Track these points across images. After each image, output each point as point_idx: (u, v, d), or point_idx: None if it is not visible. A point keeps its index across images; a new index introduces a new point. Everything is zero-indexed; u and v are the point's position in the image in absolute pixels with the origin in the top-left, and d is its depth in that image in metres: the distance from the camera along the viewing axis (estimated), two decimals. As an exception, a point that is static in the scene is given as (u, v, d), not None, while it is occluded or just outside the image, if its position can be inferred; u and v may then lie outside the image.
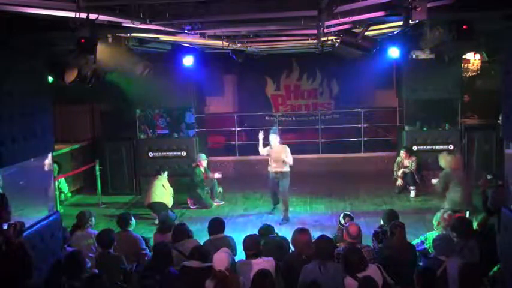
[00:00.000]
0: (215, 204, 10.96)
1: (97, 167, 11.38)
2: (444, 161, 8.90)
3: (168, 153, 12.49)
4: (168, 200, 10.05)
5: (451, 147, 11.65)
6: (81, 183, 12.57)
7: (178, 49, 9.67)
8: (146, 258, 6.50)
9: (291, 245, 6.12)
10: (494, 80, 11.94)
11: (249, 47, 9.76)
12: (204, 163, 11.04)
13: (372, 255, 5.82)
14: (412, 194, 11.13)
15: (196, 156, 11.52)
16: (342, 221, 6.86)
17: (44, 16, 4.99)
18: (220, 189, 11.25)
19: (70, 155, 12.17)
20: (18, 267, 4.30)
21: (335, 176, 12.51)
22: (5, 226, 4.31)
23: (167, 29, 6.40)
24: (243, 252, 5.56)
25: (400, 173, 11.36)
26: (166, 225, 6.98)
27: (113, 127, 13.40)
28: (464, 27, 5.80)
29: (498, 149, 11.21)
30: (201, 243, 6.25)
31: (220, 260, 4.89)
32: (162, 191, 10.04)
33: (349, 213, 7.17)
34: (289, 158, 9.62)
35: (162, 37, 7.70)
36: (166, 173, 10.41)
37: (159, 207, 9.53)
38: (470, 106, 13.58)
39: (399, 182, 11.35)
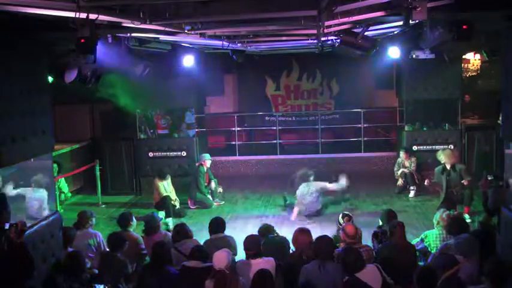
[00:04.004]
0: (215, 204, 10.96)
1: (97, 167, 11.38)
2: (444, 156, 9.45)
3: (168, 153, 12.50)
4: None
5: (451, 147, 11.65)
6: (81, 183, 12.57)
7: (178, 49, 9.68)
8: (146, 258, 6.51)
9: (291, 245, 6.13)
10: (494, 80, 11.97)
11: (249, 47, 9.76)
12: (208, 163, 11.05)
13: (371, 255, 5.83)
14: (412, 194, 11.14)
15: (200, 156, 11.50)
16: (341, 221, 6.86)
17: (44, 16, 4.99)
18: (220, 189, 11.26)
19: (70, 155, 12.17)
20: (19, 267, 4.29)
21: (335, 176, 12.49)
22: (7, 226, 4.30)
23: (167, 29, 6.40)
24: (243, 252, 5.56)
25: (399, 173, 11.38)
26: (150, 226, 6.96)
27: (113, 127, 13.41)
28: (464, 27, 5.80)
29: (498, 149, 11.21)
30: (201, 243, 6.25)
31: (220, 258, 4.89)
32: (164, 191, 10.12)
33: (348, 212, 7.17)
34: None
35: (162, 37, 7.70)
36: (168, 177, 10.35)
37: (162, 202, 9.74)
38: (471, 106, 13.59)
39: (399, 182, 11.36)
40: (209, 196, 10.96)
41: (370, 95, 15.04)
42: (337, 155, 13.58)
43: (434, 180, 9.61)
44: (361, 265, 4.91)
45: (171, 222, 9.51)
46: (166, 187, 10.18)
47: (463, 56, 11.92)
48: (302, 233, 5.79)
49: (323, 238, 5.43)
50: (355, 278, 4.77)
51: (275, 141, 14.03)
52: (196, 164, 11.30)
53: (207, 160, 11.05)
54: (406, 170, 11.29)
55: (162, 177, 10.20)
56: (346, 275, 4.91)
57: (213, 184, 11.05)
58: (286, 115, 15.47)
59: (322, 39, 8.06)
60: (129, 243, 6.61)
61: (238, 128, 14.15)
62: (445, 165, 9.46)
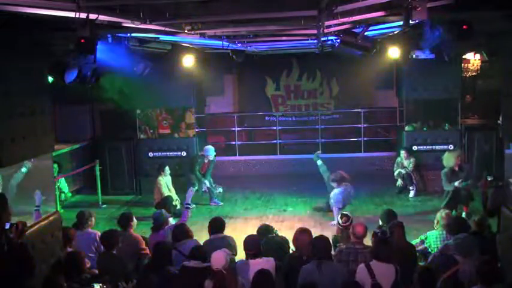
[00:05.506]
0: (213, 205, 10.94)
1: (97, 167, 11.38)
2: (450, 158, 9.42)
3: (168, 153, 12.50)
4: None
5: (451, 147, 11.65)
6: (81, 183, 12.57)
7: (179, 49, 9.68)
8: (146, 258, 6.50)
9: (291, 245, 6.13)
10: (494, 80, 11.95)
11: (249, 47, 9.77)
12: (210, 157, 11.10)
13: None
14: (411, 194, 11.16)
15: (204, 148, 11.46)
16: (340, 221, 6.87)
17: (44, 16, 4.99)
18: (220, 189, 11.24)
19: (70, 155, 12.18)
20: (19, 267, 4.29)
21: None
22: (7, 226, 4.30)
23: (167, 29, 6.40)
24: (243, 252, 5.56)
25: (396, 172, 11.37)
26: (158, 223, 6.99)
27: (113, 127, 13.41)
28: (464, 27, 5.80)
29: (498, 149, 11.21)
30: (201, 243, 6.26)
31: (217, 258, 4.89)
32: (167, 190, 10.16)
33: (346, 213, 7.16)
34: None
35: (162, 37, 7.71)
36: (167, 170, 10.41)
37: (164, 202, 9.78)
38: (471, 106, 13.57)
39: (399, 182, 11.36)
40: (205, 182, 10.95)
41: (370, 95, 15.02)
42: (337, 155, 13.56)
43: (447, 183, 9.42)
44: (391, 259, 5.04)
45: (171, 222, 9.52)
46: (168, 185, 10.21)
47: (463, 56, 11.90)
48: (302, 233, 5.79)
49: (321, 238, 5.44)
50: (368, 266, 4.95)
51: (275, 141, 14.02)
52: (200, 153, 11.33)
53: (210, 156, 11.07)
54: (402, 170, 11.29)
55: (162, 169, 10.26)
56: (364, 264, 5.08)
57: (207, 183, 11.04)
58: (286, 115, 15.46)
59: (322, 39, 8.07)
60: (130, 243, 6.62)
61: (238, 128, 14.14)
62: (452, 167, 9.38)
